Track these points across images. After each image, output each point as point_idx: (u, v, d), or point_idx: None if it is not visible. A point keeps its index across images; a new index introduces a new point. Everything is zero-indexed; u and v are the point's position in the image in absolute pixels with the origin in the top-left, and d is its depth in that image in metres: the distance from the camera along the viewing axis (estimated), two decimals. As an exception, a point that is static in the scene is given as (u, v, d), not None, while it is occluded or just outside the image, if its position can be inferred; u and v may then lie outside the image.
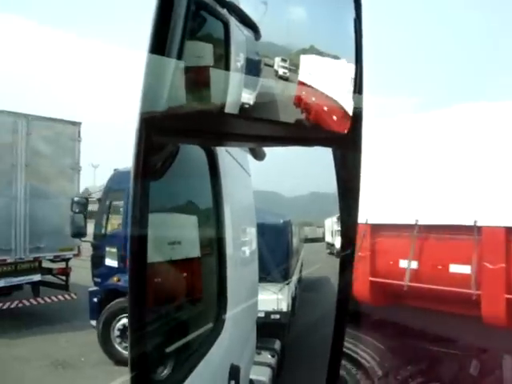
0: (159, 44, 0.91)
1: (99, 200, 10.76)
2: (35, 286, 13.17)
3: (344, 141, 1.20)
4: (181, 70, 0.97)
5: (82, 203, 10.31)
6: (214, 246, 2.08)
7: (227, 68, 1.25)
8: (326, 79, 1.30)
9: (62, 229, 12.61)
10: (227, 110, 1.19)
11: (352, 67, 1.23)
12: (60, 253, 13.24)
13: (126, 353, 8.63)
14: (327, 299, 1.53)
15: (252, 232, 3.07)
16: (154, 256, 1.09)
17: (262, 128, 1.14)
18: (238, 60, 1.27)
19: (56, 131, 13.38)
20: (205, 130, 1.04)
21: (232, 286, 2.14)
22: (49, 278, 13.52)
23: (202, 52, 1.14)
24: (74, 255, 13.45)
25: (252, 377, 3.06)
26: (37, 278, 13.06)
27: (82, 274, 13.33)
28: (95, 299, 9.66)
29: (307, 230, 12.65)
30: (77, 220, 10.00)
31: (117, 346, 9.24)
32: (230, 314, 2.12)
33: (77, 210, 10.06)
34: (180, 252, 1.73)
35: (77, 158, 13.81)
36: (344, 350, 5.69)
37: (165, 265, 1.53)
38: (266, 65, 1.27)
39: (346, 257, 1.32)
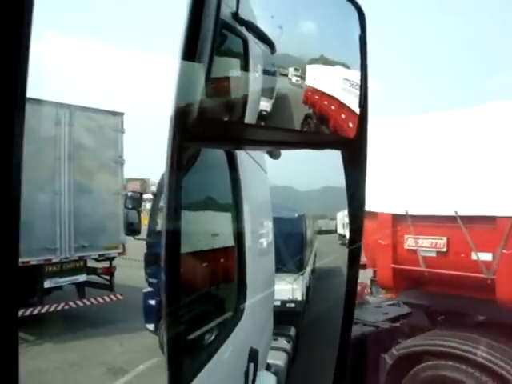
0: (189, 59, 0.99)
1: (154, 195, 9.93)
2: (80, 286, 12.22)
3: (351, 144, 1.28)
4: (208, 81, 1.06)
5: (136, 198, 9.39)
6: (235, 239, 2.16)
7: (247, 79, 1.33)
8: (334, 86, 1.38)
9: (106, 226, 11.93)
10: (247, 116, 1.27)
11: (358, 75, 1.32)
12: (105, 251, 12.28)
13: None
14: (339, 288, 1.60)
15: (269, 225, 3.14)
16: (184, 247, 1.17)
17: (277, 135, 1.23)
18: (256, 71, 1.35)
19: (98, 122, 12.37)
20: (227, 136, 1.13)
21: (251, 276, 2.22)
22: (93, 278, 12.55)
23: (226, 65, 1.22)
24: (119, 253, 12.45)
25: (269, 361, 3.13)
26: (82, 278, 12.13)
27: (126, 273, 12.68)
28: (152, 301, 8.83)
29: (321, 222, 12.64)
30: (131, 216, 9.06)
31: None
32: (250, 301, 2.19)
33: (130, 206, 9.15)
34: (206, 243, 1.83)
35: (120, 150, 12.68)
36: (490, 364, 5.11)
37: (193, 256, 1.62)
38: (281, 74, 1.35)
39: (354, 250, 1.40)
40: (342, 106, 1.35)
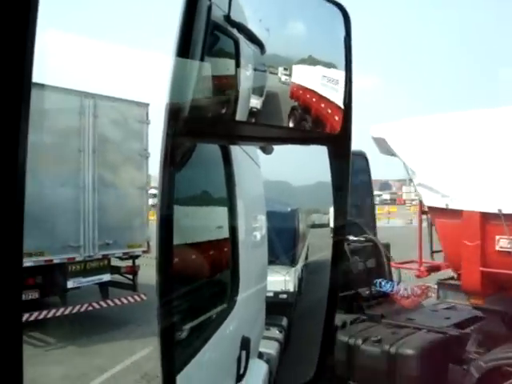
0: (183, 59, 1.02)
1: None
2: (103, 286, 11.33)
3: (336, 140, 1.32)
4: (201, 80, 1.09)
5: None
6: (229, 232, 2.19)
7: (238, 78, 1.37)
8: (317, 84, 1.43)
9: (131, 222, 11.18)
10: (239, 113, 1.31)
11: (343, 74, 1.36)
12: (129, 249, 11.37)
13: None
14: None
15: (262, 219, 3.16)
16: (178, 239, 1.21)
17: (267, 131, 1.27)
18: (247, 70, 1.39)
19: (123, 113, 11.42)
20: (219, 132, 1.17)
21: (244, 268, 2.25)
22: (115, 277, 11.58)
23: (218, 65, 1.26)
24: (143, 252, 11.63)
25: (261, 350, 3.16)
26: (106, 277, 11.19)
27: (150, 272, 11.69)
28: None
29: (315, 216, 12.58)
30: None
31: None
32: (242, 292, 2.22)
33: None
34: (200, 236, 1.86)
35: (145, 143, 11.67)
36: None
37: (187, 247, 1.66)
38: (271, 73, 1.40)
39: (338, 243, 1.43)
40: (326, 103, 1.40)
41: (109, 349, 9.10)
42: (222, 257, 2.17)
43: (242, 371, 2.13)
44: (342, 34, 1.37)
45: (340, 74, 1.36)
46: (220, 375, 2.06)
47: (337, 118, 1.35)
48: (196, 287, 1.85)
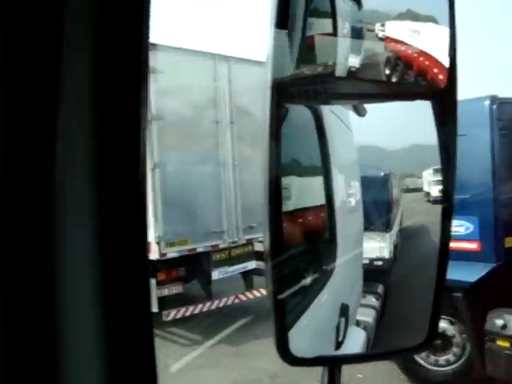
0: (282, 20, 1.02)
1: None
2: (248, 275, 10.41)
3: (441, 95, 1.27)
4: (300, 41, 1.08)
5: None
6: (325, 198, 2.19)
7: (335, 36, 1.35)
8: (422, 39, 1.36)
9: None
10: (337, 72, 1.29)
11: (446, 28, 1.29)
12: None
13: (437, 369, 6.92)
14: (426, 245, 1.58)
15: (356, 185, 3.11)
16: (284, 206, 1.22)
17: (366, 87, 1.25)
18: (344, 28, 1.36)
19: (257, 77, 9.84)
20: (319, 92, 1.16)
21: (341, 235, 2.24)
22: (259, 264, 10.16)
23: (315, 24, 1.24)
24: None
25: (358, 317, 3.16)
26: (251, 265, 10.25)
27: None
28: None
29: (408, 180, 12.25)
30: None
31: (421, 361, 6.75)
32: (340, 258, 2.22)
33: None
34: (299, 202, 1.88)
35: None
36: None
37: (289, 215, 1.67)
38: (368, 30, 1.36)
39: (447, 208, 1.38)
40: (430, 57, 1.34)
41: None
42: (321, 223, 2.17)
43: (340, 338, 2.14)
44: None
45: (440, 28, 1.29)
46: (320, 341, 2.09)
47: (441, 72, 1.29)
48: (299, 253, 1.87)
